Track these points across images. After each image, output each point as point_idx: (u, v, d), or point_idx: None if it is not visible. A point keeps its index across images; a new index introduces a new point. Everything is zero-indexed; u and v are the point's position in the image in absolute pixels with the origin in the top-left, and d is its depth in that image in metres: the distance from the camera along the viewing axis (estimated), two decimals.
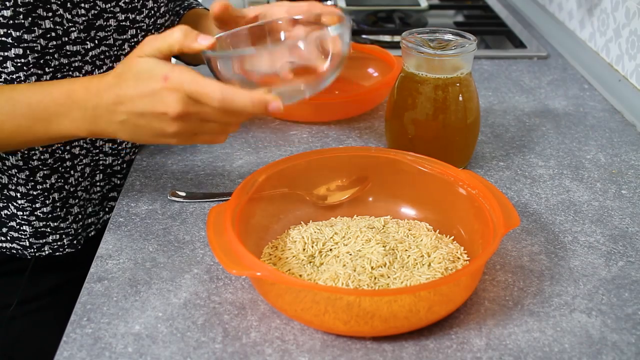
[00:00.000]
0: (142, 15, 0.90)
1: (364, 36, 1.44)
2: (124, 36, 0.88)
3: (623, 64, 1.18)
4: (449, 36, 0.89)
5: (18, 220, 0.88)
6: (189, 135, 0.71)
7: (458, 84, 0.88)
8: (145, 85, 0.68)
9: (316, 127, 1.04)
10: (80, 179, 0.90)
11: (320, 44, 0.72)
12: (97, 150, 0.91)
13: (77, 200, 0.91)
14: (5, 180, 0.86)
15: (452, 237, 0.77)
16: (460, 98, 0.88)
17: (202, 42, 0.68)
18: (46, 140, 0.76)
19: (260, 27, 0.80)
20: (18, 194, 0.87)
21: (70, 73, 0.84)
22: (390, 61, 1.11)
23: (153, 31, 0.93)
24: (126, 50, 0.89)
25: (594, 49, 1.28)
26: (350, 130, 1.03)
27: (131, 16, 0.88)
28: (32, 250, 0.90)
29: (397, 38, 1.42)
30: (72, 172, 0.89)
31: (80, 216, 0.92)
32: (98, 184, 0.93)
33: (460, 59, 0.87)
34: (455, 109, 0.88)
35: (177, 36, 0.68)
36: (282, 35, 0.81)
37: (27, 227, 0.89)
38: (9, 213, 0.88)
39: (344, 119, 1.06)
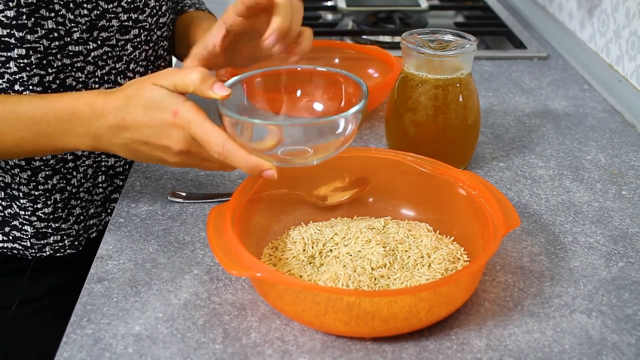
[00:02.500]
0: (144, 15, 0.90)
1: (364, 37, 1.44)
2: (127, 36, 0.88)
3: (623, 64, 1.18)
4: (449, 37, 0.89)
5: (20, 220, 0.88)
6: (187, 165, 0.73)
7: (458, 85, 0.88)
8: (154, 115, 0.68)
9: None
10: (82, 180, 0.90)
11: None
12: (100, 152, 0.91)
13: (79, 202, 0.91)
14: (8, 179, 0.86)
15: (452, 238, 0.77)
16: (461, 99, 0.88)
17: (217, 91, 0.68)
18: (50, 152, 0.77)
19: (277, 73, 0.77)
20: (20, 194, 0.87)
21: (73, 73, 0.84)
22: (390, 62, 1.11)
23: (155, 30, 0.93)
24: (129, 51, 0.89)
25: (594, 50, 1.28)
26: None
27: (134, 16, 0.88)
28: (33, 250, 0.90)
29: (397, 39, 1.42)
30: (74, 173, 0.89)
31: (82, 217, 0.92)
32: (100, 185, 0.93)
33: (461, 59, 0.87)
34: (455, 110, 0.88)
35: (194, 78, 0.68)
36: (299, 92, 0.78)
37: (28, 227, 0.89)
38: (12, 212, 0.88)
39: None
